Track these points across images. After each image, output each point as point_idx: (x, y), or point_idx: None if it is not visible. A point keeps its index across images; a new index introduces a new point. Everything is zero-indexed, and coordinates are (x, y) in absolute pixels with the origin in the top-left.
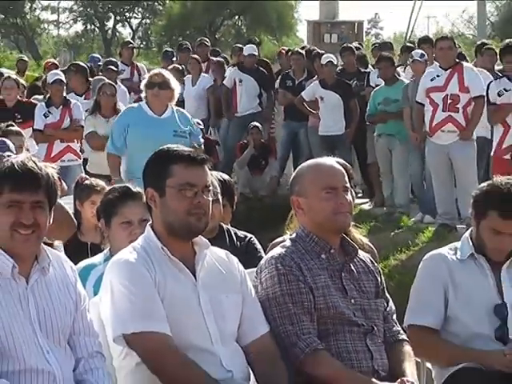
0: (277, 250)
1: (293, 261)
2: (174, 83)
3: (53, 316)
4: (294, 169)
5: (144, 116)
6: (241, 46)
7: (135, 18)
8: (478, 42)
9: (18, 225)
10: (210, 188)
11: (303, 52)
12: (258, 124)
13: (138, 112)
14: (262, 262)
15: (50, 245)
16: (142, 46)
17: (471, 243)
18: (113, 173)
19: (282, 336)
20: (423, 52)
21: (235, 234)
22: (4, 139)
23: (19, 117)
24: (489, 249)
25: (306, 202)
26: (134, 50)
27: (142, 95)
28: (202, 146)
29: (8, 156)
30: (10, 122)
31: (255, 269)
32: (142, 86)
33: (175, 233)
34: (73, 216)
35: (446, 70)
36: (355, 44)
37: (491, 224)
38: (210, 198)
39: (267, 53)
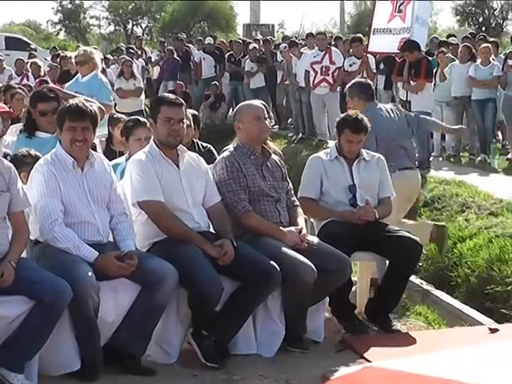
0: (225, 153)
1: (234, 159)
2: (93, 56)
3: (98, 190)
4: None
5: (78, 79)
6: (201, 38)
7: (143, 22)
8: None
9: (74, 140)
10: (184, 120)
11: (240, 41)
12: (216, 82)
13: (78, 77)
14: (217, 160)
15: (94, 149)
16: (147, 39)
17: (336, 150)
18: None
19: (228, 202)
20: (286, 45)
21: (201, 144)
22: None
23: None
24: (345, 152)
25: (242, 126)
26: (143, 41)
27: None
28: (111, 103)
29: None
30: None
31: (213, 165)
32: None
33: (163, 145)
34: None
35: (322, 51)
36: (269, 37)
37: (346, 137)
38: (185, 126)
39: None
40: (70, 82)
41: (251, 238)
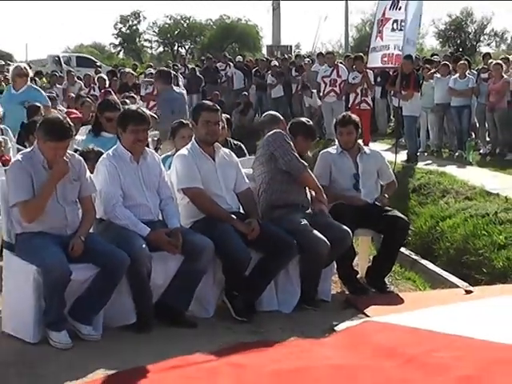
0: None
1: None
2: (27, 71)
3: (150, 179)
4: (260, 115)
5: (10, 91)
6: (231, 58)
7: (186, 44)
8: (345, 55)
9: (136, 140)
10: (220, 122)
11: (264, 59)
12: (246, 93)
13: (10, 90)
14: (271, 135)
15: (147, 146)
16: (190, 57)
17: (340, 145)
18: None
19: (290, 160)
20: (312, 59)
21: (233, 142)
22: (126, 100)
23: (134, 91)
24: (341, 143)
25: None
26: (186, 59)
27: None
28: (49, 103)
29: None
30: (128, 93)
31: (243, 158)
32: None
33: (202, 142)
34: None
35: (330, 67)
36: (286, 56)
37: (338, 131)
38: (220, 127)
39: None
40: (2, 95)
41: (276, 217)
